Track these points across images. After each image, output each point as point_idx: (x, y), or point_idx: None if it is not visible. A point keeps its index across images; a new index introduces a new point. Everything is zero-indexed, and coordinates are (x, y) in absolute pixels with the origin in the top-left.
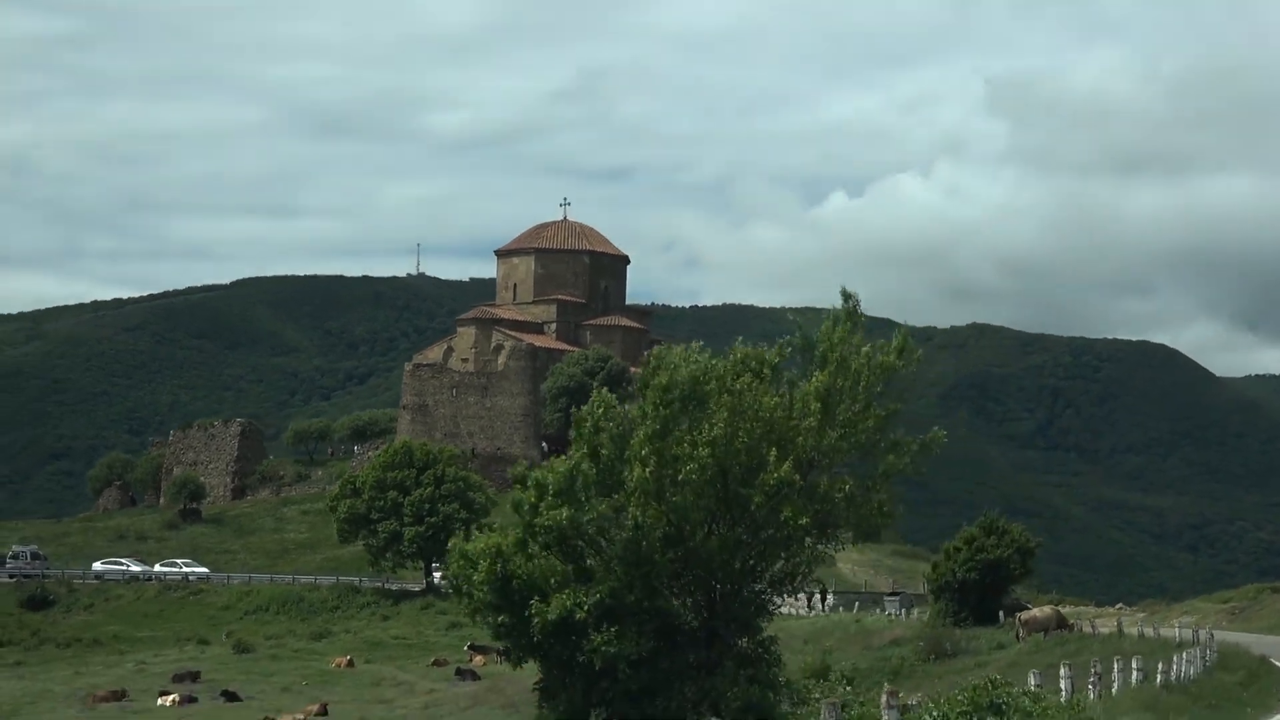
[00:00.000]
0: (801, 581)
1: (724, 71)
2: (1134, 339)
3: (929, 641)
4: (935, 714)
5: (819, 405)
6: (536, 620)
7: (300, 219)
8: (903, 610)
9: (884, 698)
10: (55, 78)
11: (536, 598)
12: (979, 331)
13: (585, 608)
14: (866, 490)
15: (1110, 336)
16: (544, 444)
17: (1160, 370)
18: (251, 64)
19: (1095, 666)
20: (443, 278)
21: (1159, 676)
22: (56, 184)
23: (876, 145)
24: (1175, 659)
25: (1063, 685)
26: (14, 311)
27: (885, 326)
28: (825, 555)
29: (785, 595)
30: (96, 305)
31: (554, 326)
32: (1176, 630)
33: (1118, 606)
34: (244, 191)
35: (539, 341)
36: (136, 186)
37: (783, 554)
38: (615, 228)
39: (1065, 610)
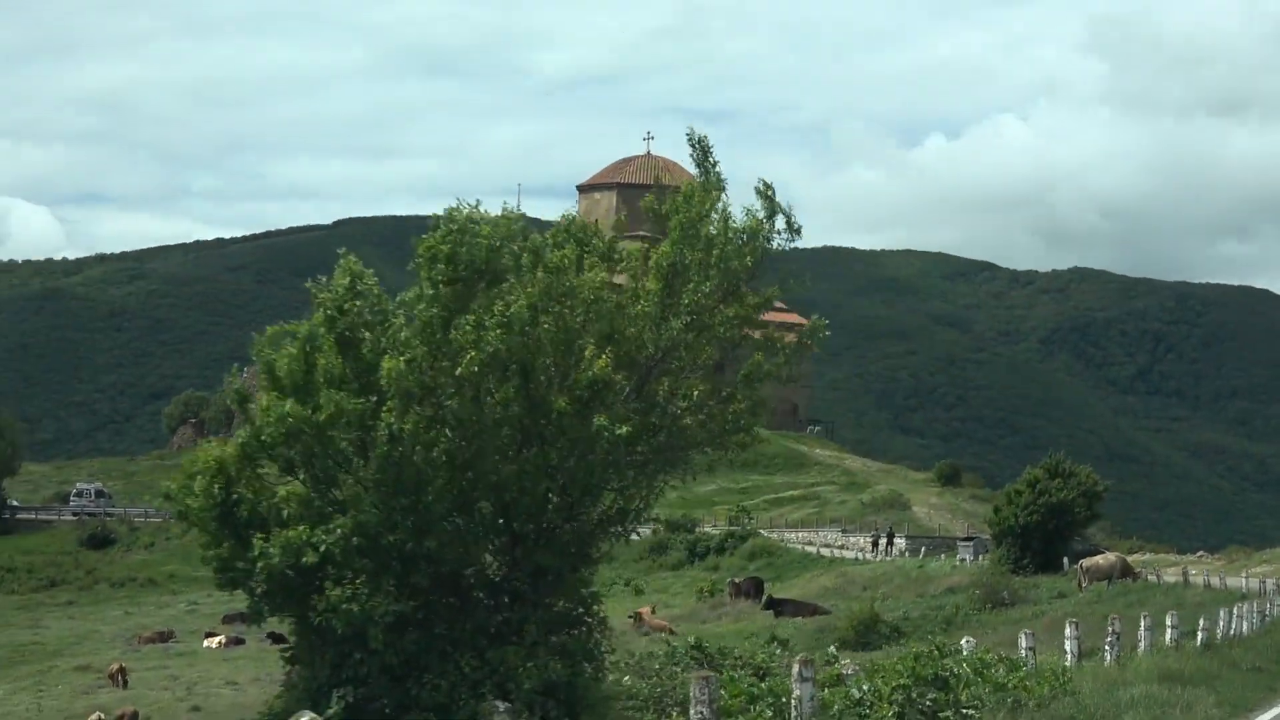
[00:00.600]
0: (635, 521)
1: (826, 9)
2: (1235, 283)
3: (985, 590)
4: (866, 688)
5: (661, 285)
6: (260, 565)
7: (402, 160)
8: (976, 556)
9: (795, 668)
10: (158, 19)
11: (260, 534)
12: (1080, 276)
13: (321, 549)
14: (723, 399)
15: (1211, 281)
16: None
17: (1262, 315)
18: (354, 4)
19: (1113, 624)
20: (544, 219)
21: (1199, 635)
22: (160, 125)
23: (976, 86)
24: (1224, 614)
25: (1067, 647)
26: (117, 251)
27: (987, 269)
28: (667, 486)
29: (620, 539)
30: (199, 245)
31: None
32: (1244, 581)
33: (1198, 554)
34: (346, 132)
35: (620, 279)
36: (239, 127)
37: (611, 484)
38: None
39: (1143, 558)
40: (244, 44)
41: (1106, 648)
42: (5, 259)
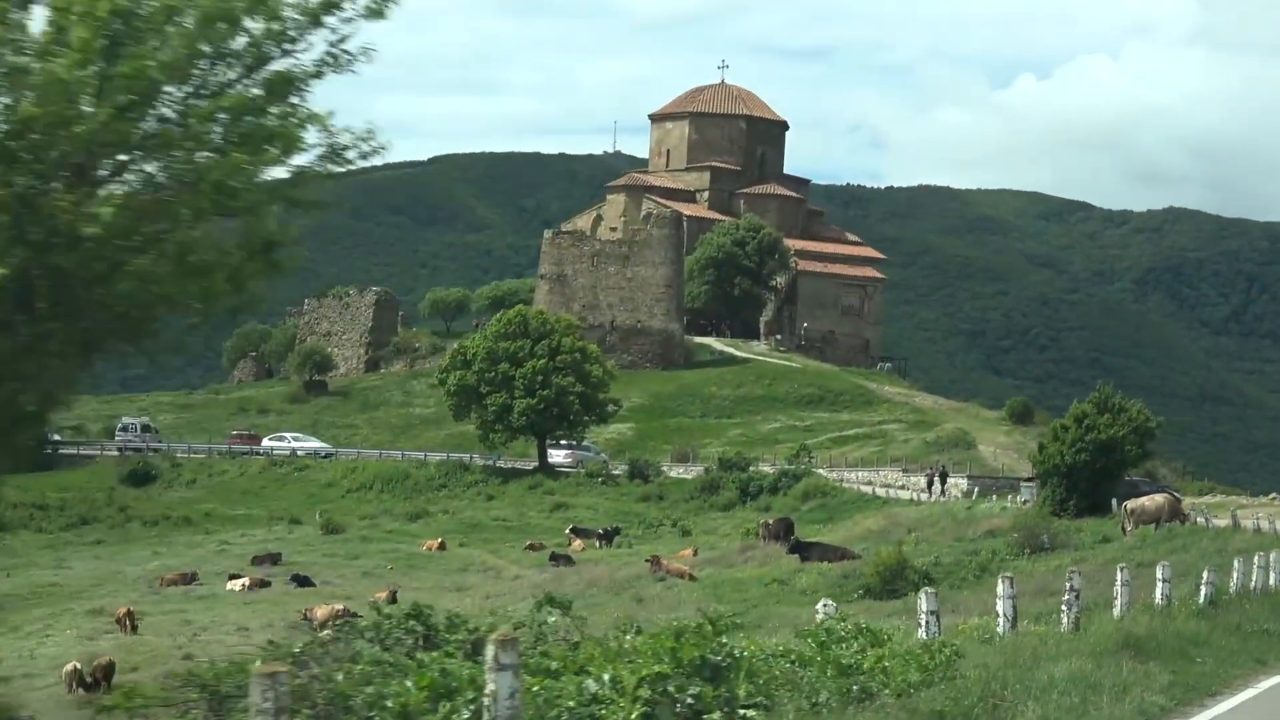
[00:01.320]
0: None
1: None
2: None
3: (1023, 533)
4: (607, 679)
5: (89, 37)
6: None
7: (499, 97)
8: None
9: (490, 651)
10: None
11: None
12: (1174, 216)
13: None
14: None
15: None
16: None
17: None
18: None
19: (1071, 579)
20: (640, 156)
21: (1203, 589)
22: None
23: (1066, 27)
24: (1238, 564)
25: (999, 607)
26: None
27: (1082, 209)
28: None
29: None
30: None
31: (706, 195)
32: None
33: (1270, 496)
34: (448, 69)
35: (690, 210)
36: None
37: None
38: (803, 106)
39: (1213, 499)
40: None
41: (1064, 607)
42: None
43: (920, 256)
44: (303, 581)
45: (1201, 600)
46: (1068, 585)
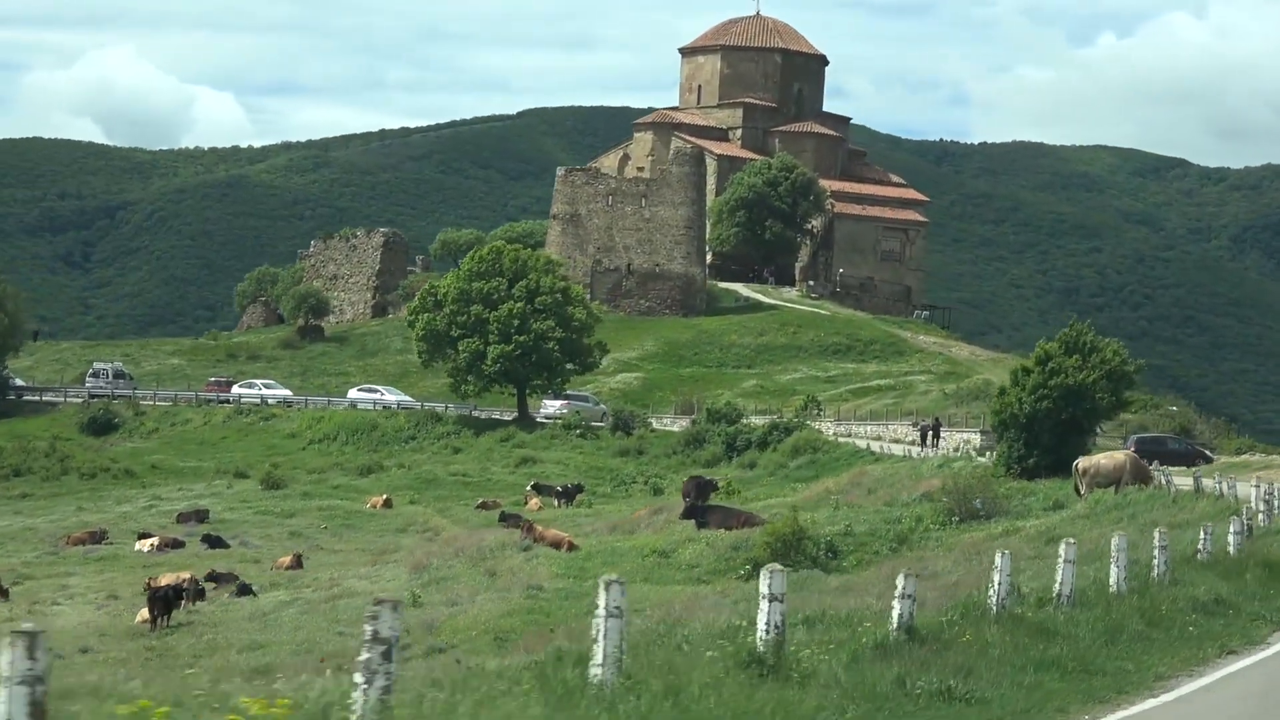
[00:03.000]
0: None
1: None
2: None
3: (953, 497)
4: None
5: None
6: None
7: (594, 52)
8: None
9: None
10: None
11: None
12: (1273, 173)
13: None
14: None
15: None
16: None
17: None
18: None
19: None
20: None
21: (1113, 572)
22: (356, 14)
23: None
24: (1159, 538)
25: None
26: (303, 140)
27: (1179, 166)
28: None
29: None
30: (384, 134)
31: (739, 133)
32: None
33: None
34: (541, 23)
35: (721, 149)
36: (435, 17)
37: None
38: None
39: (1250, 458)
40: None
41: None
42: (192, 146)
43: (1012, 213)
44: (214, 543)
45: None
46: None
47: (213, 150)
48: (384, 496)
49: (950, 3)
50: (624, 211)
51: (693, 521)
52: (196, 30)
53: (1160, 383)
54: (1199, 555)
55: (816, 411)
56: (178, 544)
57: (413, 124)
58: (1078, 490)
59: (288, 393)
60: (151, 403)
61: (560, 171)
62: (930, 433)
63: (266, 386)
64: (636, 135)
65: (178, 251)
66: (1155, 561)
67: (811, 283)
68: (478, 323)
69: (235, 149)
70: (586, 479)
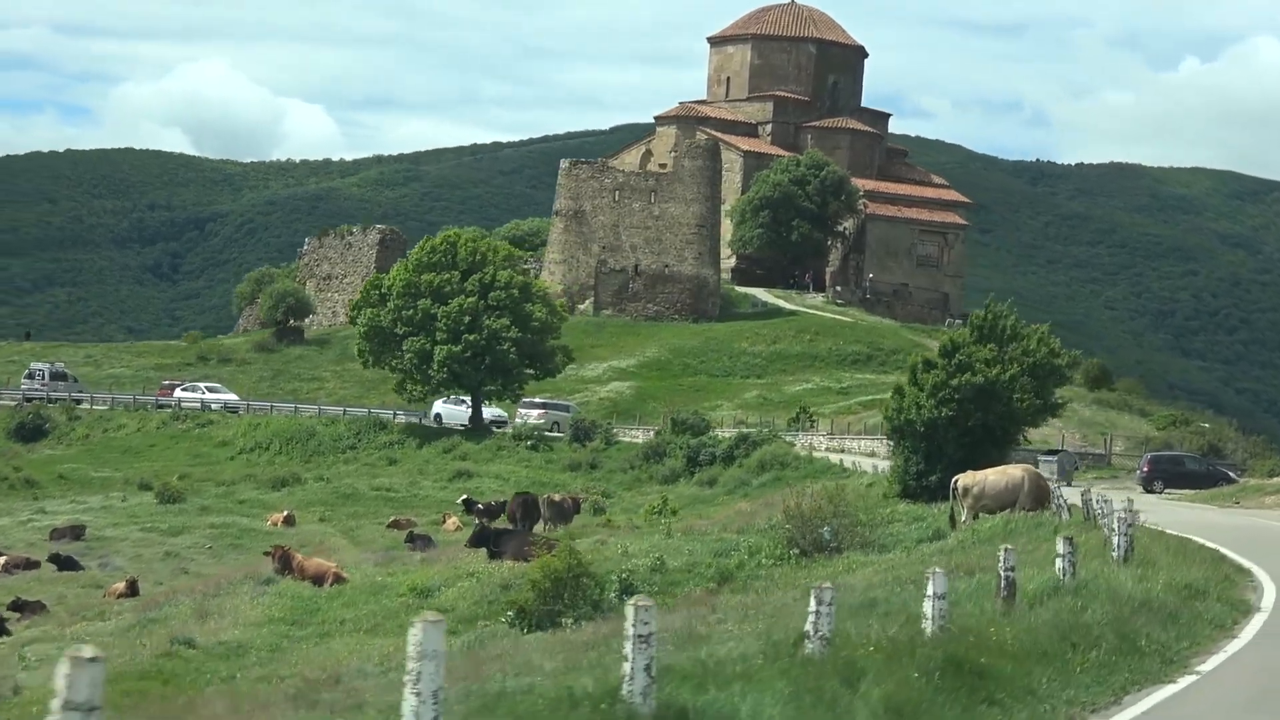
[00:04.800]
0: None
1: None
2: None
3: (797, 525)
4: None
5: None
6: None
7: (687, 69)
8: (1059, 477)
9: None
10: None
11: None
12: None
13: None
14: None
15: None
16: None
17: None
18: None
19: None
20: None
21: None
22: (453, 28)
23: (1221, 7)
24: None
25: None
26: (394, 154)
27: (1278, 189)
28: None
29: None
30: (475, 149)
31: (770, 128)
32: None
33: None
34: (635, 39)
35: (749, 145)
36: (531, 32)
37: None
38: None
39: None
40: None
41: None
42: (283, 159)
43: (1108, 235)
44: (64, 564)
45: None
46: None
47: (304, 163)
48: (285, 513)
49: (1038, 26)
50: (631, 208)
51: (485, 550)
52: (293, 44)
53: (1256, 406)
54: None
55: (809, 423)
56: (31, 564)
57: (504, 139)
58: (953, 518)
59: (232, 397)
60: (89, 407)
61: (564, 164)
62: None
63: (210, 390)
64: (659, 130)
65: (266, 263)
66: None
67: (839, 288)
68: (425, 319)
69: (326, 162)
70: (527, 493)
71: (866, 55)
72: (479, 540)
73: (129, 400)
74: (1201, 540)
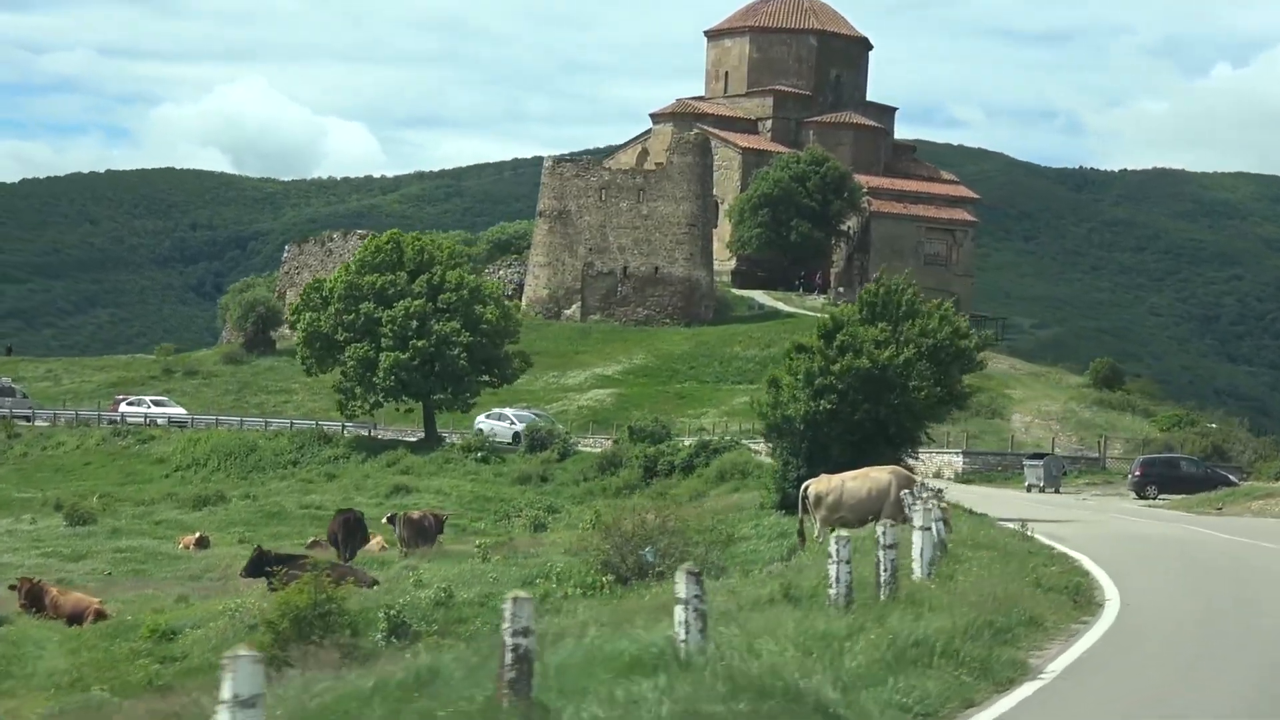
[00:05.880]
0: None
1: None
2: None
3: (616, 545)
4: None
5: None
6: None
7: None
8: (1045, 483)
9: None
10: None
11: None
12: None
13: None
14: None
15: None
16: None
17: None
18: None
19: None
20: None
21: None
22: (496, 45)
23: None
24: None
25: None
26: (436, 170)
27: None
28: None
29: None
30: (516, 163)
31: (770, 124)
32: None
33: None
34: (677, 54)
35: (747, 142)
36: (574, 48)
37: None
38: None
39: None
40: None
41: None
42: (324, 176)
43: (1152, 241)
44: None
45: None
46: None
47: (345, 180)
48: (197, 535)
49: (1079, 34)
50: (619, 208)
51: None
52: (334, 63)
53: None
54: None
55: None
56: None
57: (547, 154)
58: (802, 533)
59: (179, 410)
60: (31, 423)
61: (547, 162)
62: None
63: (156, 404)
64: (655, 128)
65: None
66: None
67: (841, 289)
68: (368, 324)
69: (368, 179)
70: (470, 510)
71: (871, 48)
72: (255, 569)
73: (67, 416)
74: (1085, 560)
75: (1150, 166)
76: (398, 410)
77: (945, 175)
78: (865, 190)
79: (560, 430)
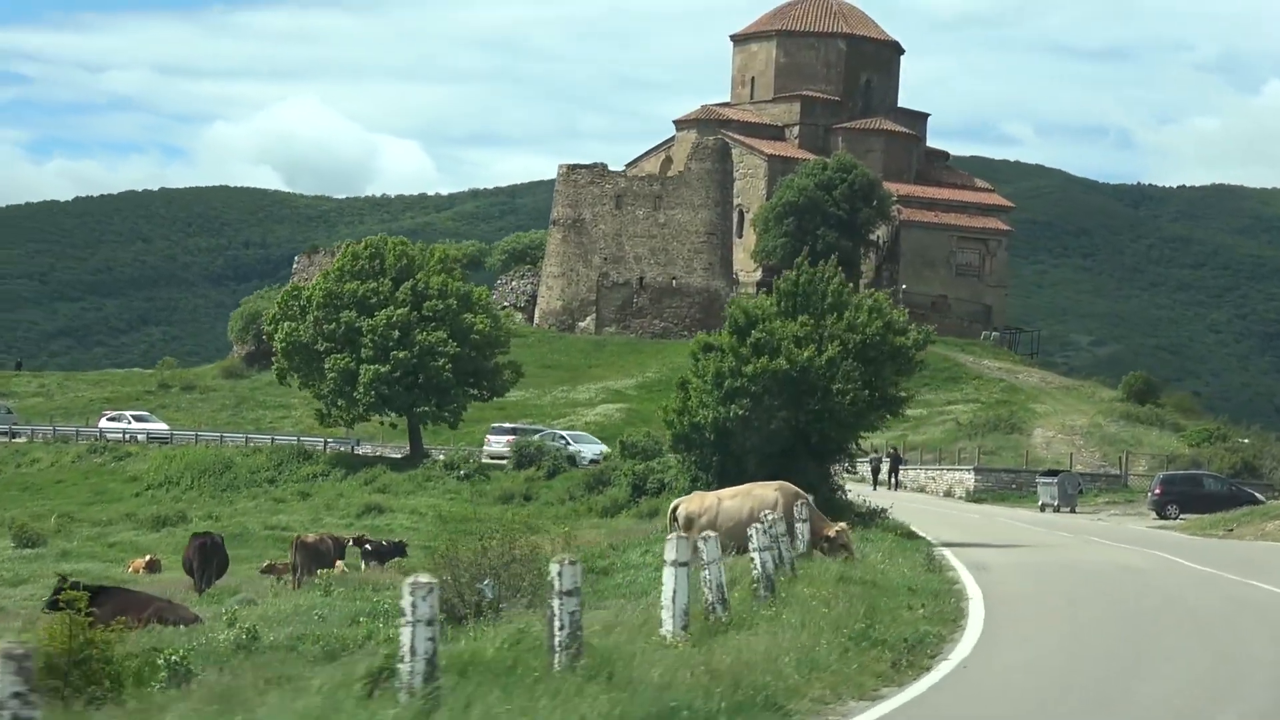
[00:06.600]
0: None
1: None
2: None
3: (450, 574)
4: None
5: None
6: None
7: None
8: (1060, 502)
9: None
10: None
11: None
12: None
13: None
14: None
15: None
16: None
17: None
18: None
19: None
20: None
21: None
22: (550, 62)
23: None
24: None
25: None
26: (490, 187)
27: None
28: None
29: None
30: None
31: (797, 130)
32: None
33: None
34: (723, 70)
35: (773, 149)
36: (628, 64)
37: None
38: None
39: None
40: None
41: None
42: (378, 194)
43: (1211, 257)
44: None
45: None
46: None
47: (399, 198)
48: (148, 558)
49: (1134, 51)
50: (635, 216)
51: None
52: (388, 81)
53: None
54: None
55: None
56: None
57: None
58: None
59: (161, 426)
60: (7, 439)
61: (560, 169)
62: (885, 467)
63: (137, 419)
64: (679, 135)
65: None
66: None
67: None
68: (349, 333)
69: (422, 196)
70: (446, 532)
71: (902, 51)
72: (54, 604)
73: (44, 432)
74: (974, 602)
75: (1209, 183)
76: (381, 424)
77: (979, 183)
78: (895, 198)
79: (556, 447)
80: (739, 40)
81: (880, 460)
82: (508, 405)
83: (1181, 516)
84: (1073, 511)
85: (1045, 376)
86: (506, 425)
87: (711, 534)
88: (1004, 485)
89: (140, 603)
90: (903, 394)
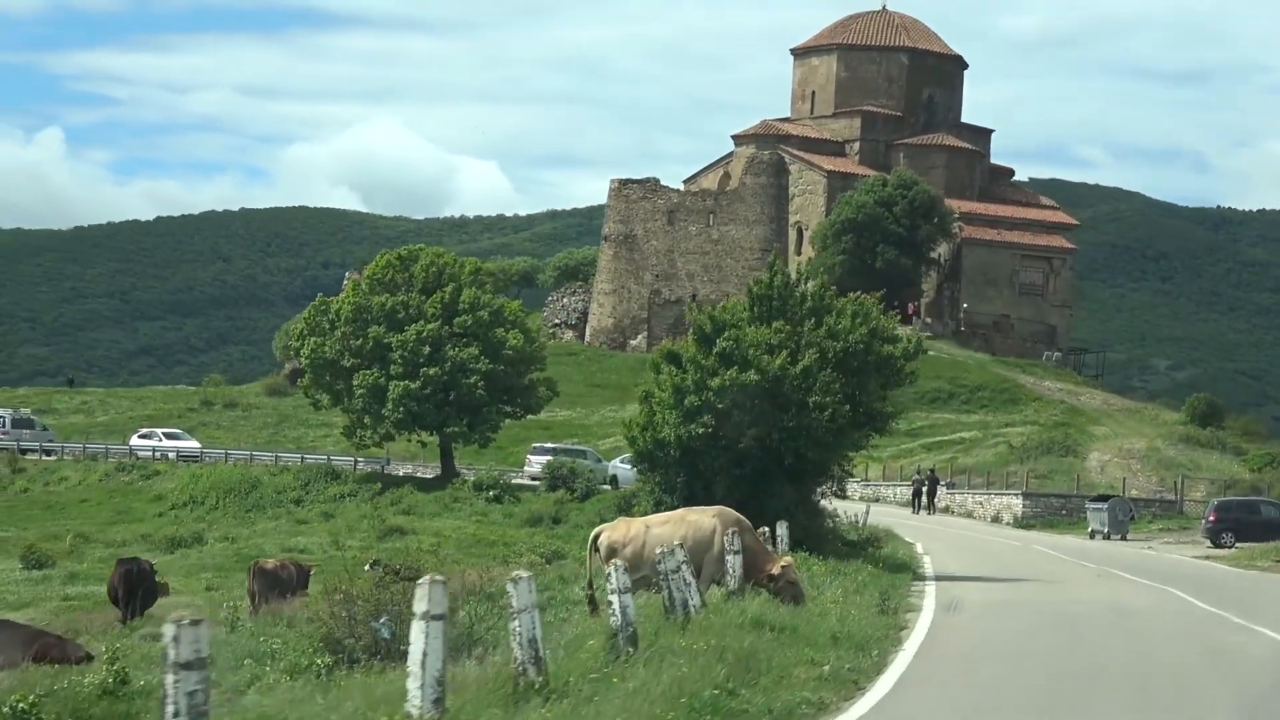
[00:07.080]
0: None
1: None
2: None
3: (338, 614)
4: None
5: None
6: None
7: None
8: (1110, 529)
9: None
10: None
11: None
12: None
13: None
14: None
15: None
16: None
17: None
18: None
19: None
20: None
21: None
22: (630, 84)
23: None
24: None
25: None
26: (568, 208)
27: None
28: None
29: None
30: None
31: (858, 146)
32: None
33: None
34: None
35: (833, 164)
36: (708, 86)
37: None
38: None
39: None
40: (712, 5)
41: None
42: (456, 215)
43: (1269, 278)
44: None
45: None
46: None
47: (478, 219)
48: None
49: (1211, 75)
50: (688, 231)
51: None
52: (469, 103)
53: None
54: None
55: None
56: None
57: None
58: (592, 600)
59: (193, 444)
60: (38, 457)
61: (612, 183)
62: (925, 490)
63: (169, 436)
64: (737, 150)
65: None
66: None
67: (929, 320)
68: (377, 349)
69: (500, 217)
70: (469, 555)
71: (966, 66)
72: None
73: (74, 449)
74: (899, 660)
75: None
76: (410, 442)
77: (1045, 201)
78: (956, 215)
79: (588, 466)
80: (799, 54)
81: (922, 483)
82: (553, 425)
83: (1237, 545)
84: (1123, 539)
85: (1108, 399)
86: (548, 445)
87: (619, 563)
88: (1053, 511)
89: (24, 638)
90: (889, 409)
